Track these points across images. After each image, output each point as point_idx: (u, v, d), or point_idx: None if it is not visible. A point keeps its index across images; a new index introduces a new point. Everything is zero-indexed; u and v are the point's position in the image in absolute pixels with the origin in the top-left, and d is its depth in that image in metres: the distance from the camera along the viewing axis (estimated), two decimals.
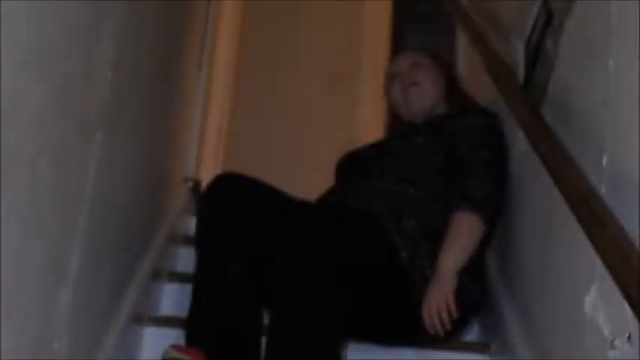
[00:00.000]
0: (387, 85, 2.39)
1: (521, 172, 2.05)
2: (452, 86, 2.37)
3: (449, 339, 2.01)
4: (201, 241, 1.96)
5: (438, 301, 1.91)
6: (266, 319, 1.87)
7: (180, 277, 2.32)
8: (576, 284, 1.51)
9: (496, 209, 2.07)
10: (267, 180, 2.03)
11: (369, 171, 2.15)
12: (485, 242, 2.08)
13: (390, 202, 2.04)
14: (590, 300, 1.43)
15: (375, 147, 2.28)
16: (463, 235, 2.00)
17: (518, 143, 2.03)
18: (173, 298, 2.30)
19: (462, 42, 3.07)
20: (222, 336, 1.85)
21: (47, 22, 1.19)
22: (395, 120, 2.42)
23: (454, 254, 1.97)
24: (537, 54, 1.90)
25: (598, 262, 1.29)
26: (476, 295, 2.04)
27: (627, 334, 1.27)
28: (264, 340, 1.83)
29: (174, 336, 1.97)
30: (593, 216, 1.25)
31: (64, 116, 1.32)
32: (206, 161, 3.44)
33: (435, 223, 2.03)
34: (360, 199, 2.07)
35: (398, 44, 4.16)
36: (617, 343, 1.30)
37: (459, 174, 2.08)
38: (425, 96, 2.30)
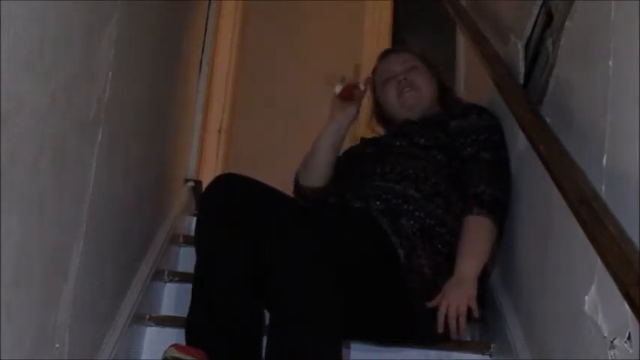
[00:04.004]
0: (380, 87, 2.41)
1: (521, 172, 2.05)
2: (442, 89, 2.41)
3: (448, 339, 2.00)
4: (200, 242, 1.96)
5: (460, 304, 1.91)
6: (266, 319, 1.87)
7: (180, 277, 2.33)
8: (576, 284, 1.51)
9: (504, 210, 2.07)
10: (267, 180, 2.03)
11: (370, 170, 2.15)
12: None
13: (389, 202, 2.04)
14: (590, 300, 1.43)
15: (377, 146, 2.28)
16: (481, 238, 2.01)
17: (519, 143, 2.03)
18: (174, 298, 2.30)
19: (462, 42, 3.07)
20: (223, 336, 1.85)
21: (48, 23, 1.19)
22: (383, 120, 2.43)
23: (475, 258, 1.98)
24: (537, 54, 1.90)
25: (598, 262, 1.29)
26: (481, 295, 2.04)
27: (627, 334, 1.27)
28: (264, 340, 1.83)
29: (175, 335, 1.96)
30: (593, 216, 1.25)
31: (65, 116, 1.32)
32: (206, 161, 3.44)
33: (433, 223, 2.03)
34: (359, 199, 2.07)
35: (398, 44, 4.16)
36: (617, 342, 1.30)
37: (465, 175, 2.09)
38: (421, 97, 2.34)
